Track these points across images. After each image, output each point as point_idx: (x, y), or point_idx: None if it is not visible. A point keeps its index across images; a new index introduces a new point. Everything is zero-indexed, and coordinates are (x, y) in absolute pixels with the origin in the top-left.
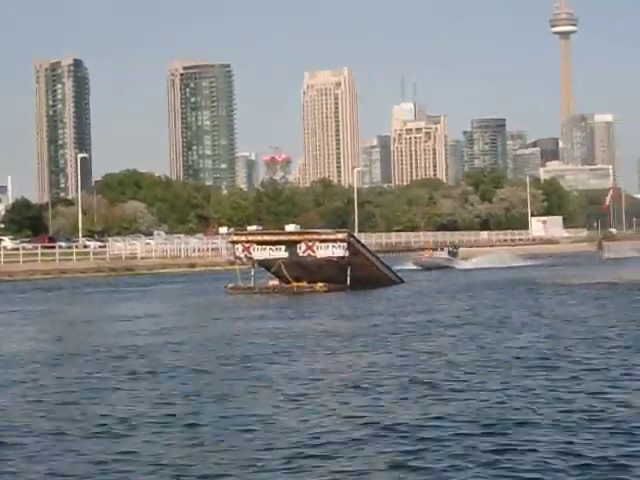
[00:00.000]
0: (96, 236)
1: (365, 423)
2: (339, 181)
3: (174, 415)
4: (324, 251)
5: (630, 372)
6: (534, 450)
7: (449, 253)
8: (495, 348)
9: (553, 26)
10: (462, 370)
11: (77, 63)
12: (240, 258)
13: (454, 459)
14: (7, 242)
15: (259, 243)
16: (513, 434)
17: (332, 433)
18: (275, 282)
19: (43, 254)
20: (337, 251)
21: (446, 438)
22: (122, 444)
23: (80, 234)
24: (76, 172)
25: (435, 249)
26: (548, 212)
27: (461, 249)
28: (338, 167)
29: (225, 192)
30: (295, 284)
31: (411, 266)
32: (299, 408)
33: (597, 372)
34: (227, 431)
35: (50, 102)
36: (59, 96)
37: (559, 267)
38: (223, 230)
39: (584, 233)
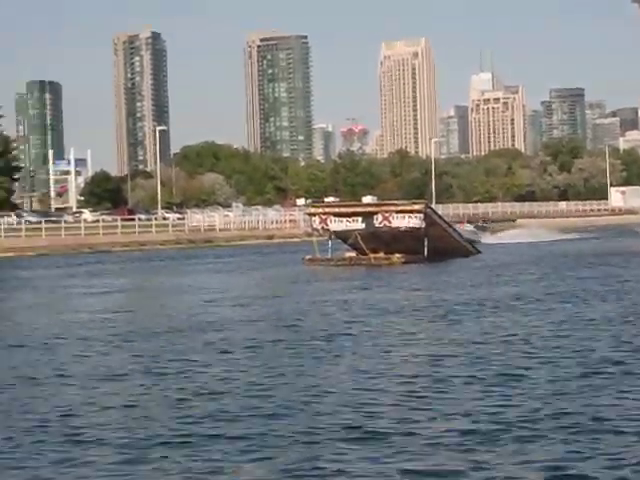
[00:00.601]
0: (175, 208)
1: None
2: (416, 152)
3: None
4: (401, 222)
5: None
6: None
7: (477, 227)
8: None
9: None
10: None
11: (155, 35)
12: (317, 230)
13: None
14: (87, 214)
15: (336, 215)
16: None
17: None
18: (352, 254)
19: (123, 226)
20: (414, 222)
21: None
22: None
23: (159, 206)
24: (155, 145)
25: (462, 222)
26: (627, 182)
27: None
28: (415, 138)
29: (302, 164)
30: (372, 255)
31: None
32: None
33: None
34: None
35: (128, 75)
36: (137, 68)
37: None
38: (301, 202)
39: None
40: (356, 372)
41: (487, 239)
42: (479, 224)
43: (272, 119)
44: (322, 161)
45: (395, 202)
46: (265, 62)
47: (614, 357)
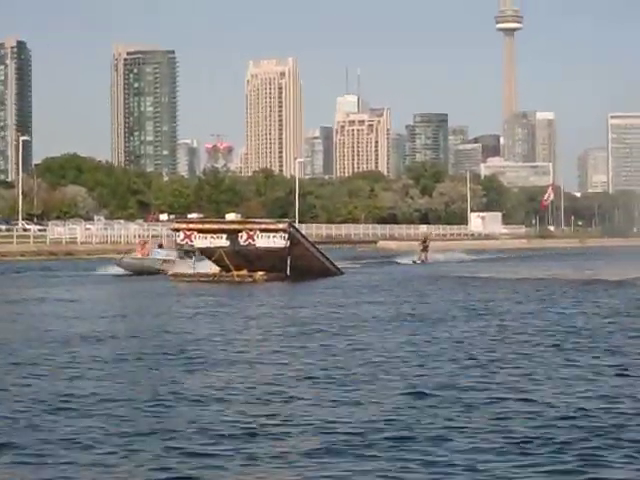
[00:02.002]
0: (35, 219)
1: None
2: (281, 171)
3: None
4: (265, 240)
5: None
6: None
7: (183, 252)
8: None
9: (498, 22)
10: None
11: (20, 45)
12: (180, 245)
13: None
14: None
15: (200, 231)
16: None
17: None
18: (216, 270)
19: None
20: (278, 241)
21: None
22: None
23: (20, 217)
24: (17, 154)
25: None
26: (487, 208)
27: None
28: (280, 157)
29: (166, 179)
30: (235, 273)
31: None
32: None
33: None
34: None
35: None
36: (1, 77)
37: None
38: (164, 217)
39: (522, 230)
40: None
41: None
42: (184, 248)
43: (137, 133)
44: (186, 177)
45: (259, 220)
46: (132, 76)
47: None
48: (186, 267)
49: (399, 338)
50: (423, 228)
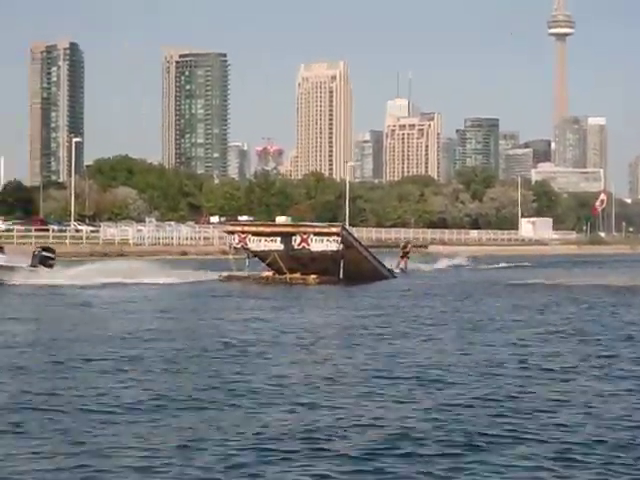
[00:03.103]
0: (87, 220)
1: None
2: (331, 174)
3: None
4: (318, 244)
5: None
6: None
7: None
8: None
9: (550, 27)
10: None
11: (73, 46)
12: (236, 248)
13: None
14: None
15: (255, 234)
16: None
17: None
18: (269, 273)
19: (36, 236)
20: (331, 244)
21: None
22: None
23: (72, 218)
24: (69, 156)
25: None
26: (538, 213)
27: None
28: (330, 160)
29: (217, 181)
30: (289, 275)
31: None
32: None
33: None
34: None
35: (45, 85)
36: (54, 79)
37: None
38: (214, 219)
39: (573, 235)
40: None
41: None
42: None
43: (188, 135)
44: (236, 179)
45: (313, 224)
46: (183, 78)
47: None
48: (40, 278)
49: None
50: (474, 233)
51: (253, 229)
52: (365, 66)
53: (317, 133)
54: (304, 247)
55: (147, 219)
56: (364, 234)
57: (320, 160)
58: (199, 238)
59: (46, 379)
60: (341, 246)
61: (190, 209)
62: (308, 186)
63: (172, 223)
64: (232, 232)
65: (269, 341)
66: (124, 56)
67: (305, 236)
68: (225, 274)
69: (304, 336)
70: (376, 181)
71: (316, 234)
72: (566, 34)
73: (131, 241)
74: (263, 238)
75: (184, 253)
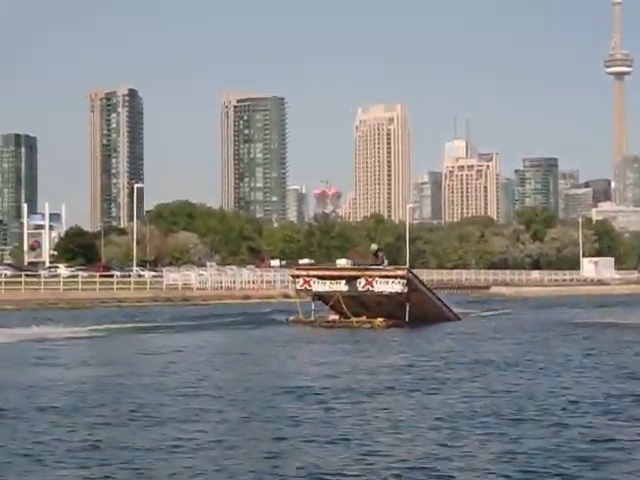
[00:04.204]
0: (148, 265)
1: None
2: (389, 216)
3: None
4: (383, 286)
5: None
6: None
7: None
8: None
9: (608, 66)
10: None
11: (132, 93)
12: (300, 291)
13: None
14: (62, 269)
15: (319, 277)
16: None
17: None
18: (335, 316)
19: (101, 282)
20: (396, 287)
21: None
22: None
23: (134, 263)
24: (131, 201)
25: None
26: (599, 253)
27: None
28: (389, 202)
29: (275, 225)
30: (354, 319)
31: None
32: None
33: None
34: None
35: (104, 131)
36: (113, 125)
37: None
38: (275, 263)
39: (635, 275)
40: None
41: None
42: None
43: (247, 179)
44: (295, 222)
45: (378, 267)
46: (242, 122)
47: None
48: None
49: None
50: (535, 274)
51: (318, 273)
52: (422, 108)
53: (375, 175)
54: (368, 289)
55: (208, 263)
56: (425, 276)
57: (378, 202)
58: (261, 282)
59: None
60: (406, 289)
61: (250, 253)
62: (368, 228)
63: (233, 267)
64: (297, 276)
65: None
66: (183, 101)
67: (370, 279)
68: (292, 318)
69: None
70: (435, 222)
71: (381, 277)
72: (624, 73)
73: (194, 286)
74: (328, 281)
75: (247, 297)
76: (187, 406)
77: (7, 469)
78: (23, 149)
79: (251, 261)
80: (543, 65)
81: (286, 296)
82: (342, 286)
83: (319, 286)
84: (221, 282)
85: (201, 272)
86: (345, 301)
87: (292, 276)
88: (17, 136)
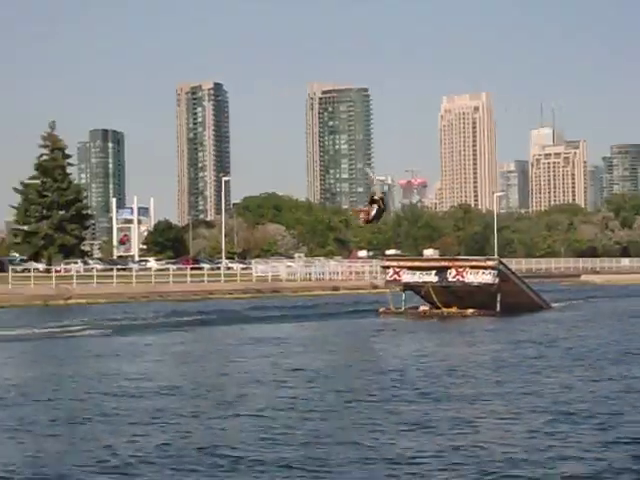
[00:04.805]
0: (236, 258)
1: None
2: (476, 205)
3: None
4: (474, 277)
5: None
6: None
7: None
8: None
9: None
10: None
11: (217, 86)
12: (390, 282)
13: None
14: (152, 263)
15: (410, 268)
16: None
17: None
18: (425, 307)
19: (191, 274)
20: (487, 277)
21: None
22: None
23: (223, 256)
24: (218, 194)
25: None
26: None
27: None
28: (475, 192)
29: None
30: (445, 309)
31: None
32: None
33: None
34: None
35: (191, 125)
36: (199, 119)
37: None
38: (362, 254)
39: None
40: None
41: None
42: None
43: (332, 171)
44: None
45: (469, 258)
46: (326, 114)
47: None
48: None
49: None
50: (625, 261)
51: (409, 264)
52: (508, 95)
53: (461, 164)
54: (458, 280)
55: (296, 255)
56: (514, 265)
57: (465, 192)
58: (350, 273)
59: None
60: (497, 279)
61: (337, 244)
62: (455, 218)
63: (321, 258)
64: (388, 267)
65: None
66: (267, 93)
67: (461, 269)
68: (382, 309)
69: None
70: (522, 211)
71: (472, 267)
72: None
73: (283, 277)
74: (418, 272)
75: (336, 288)
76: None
77: None
78: (110, 144)
79: (338, 252)
80: (629, 50)
81: (375, 287)
82: (432, 277)
83: (409, 277)
84: (310, 274)
85: (289, 264)
86: (436, 292)
87: (382, 267)
88: (104, 131)
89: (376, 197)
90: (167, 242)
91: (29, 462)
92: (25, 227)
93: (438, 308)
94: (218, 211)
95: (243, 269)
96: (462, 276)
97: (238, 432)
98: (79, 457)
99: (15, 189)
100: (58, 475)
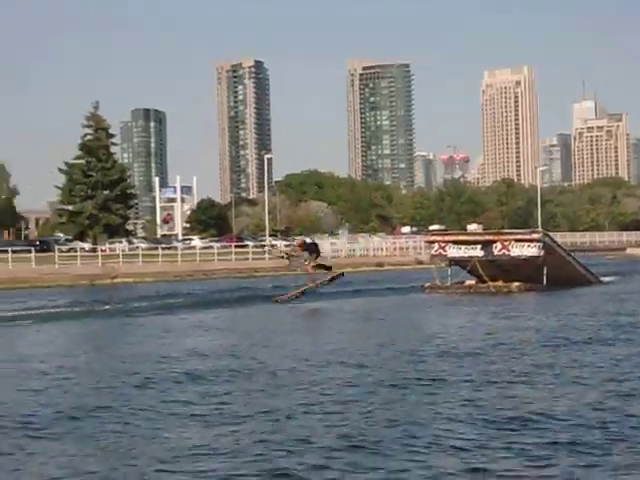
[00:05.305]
0: (279, 235)
1: None
2: (519, 180)
3: None
4: (519, 250)
5: None
6: None
7: None
8: None
9: None
10: None
11: (258, 64)
12: (435, 257)
13: None
14: (196, 241)
15: (455, 242)
16: None
17: None
18: (471, 281)
19: (236, 252)
20: (533, 250)
21: None
22: None
23: (267, 233)
24: (259, 172)
25: None
26: None
27: None
28: (517, 166)
29: (404, 191)
30: (491, 283)
31: None
32: None
33: None
34: None
35: (231, 103)
36: (240, 97)
37: None
38: (405, 229)
39: None
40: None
41: None
42: None
43: (374, 147)
44: (424, 189)
45: (514, 231)
46: (367, 90)
47: None
48: None
49: None
50: None
51: (454, 238)
52: (549, 69)
53: (503, 139)
54: (504, 253)
55: (340, 232)
56: (558, 239)
57: (507, 166)
58: (394, 249)
59: None
60: (542, 252)
61: (380, 220)
62: (498, 193)
63: (364, 235)
64: (433, 242)
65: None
66: (308, 70)
67: (506, 243)
68: (428, 284)
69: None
70: (566, 185)
71: (517, 241)
72: None
73: (328, 254)
74: (463, 246)
75: (380, 264)
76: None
77: None
78: (152, 123)
79: (381, 229)
80: None
81: (419, 263)
82: (478, 251)
83: (454, 251)
84: (354, 250)
85: (332, 241)
86: (482, 266)
87: (427, 242)
88: (146, 111)
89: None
90: (210, 220)
91: None
92: (70, 207)
93: (484, 282)
94: (260, 189)
95: (286, 246)
96: (507, 249)
97: None
98: None
99: (60, 169)
100: None
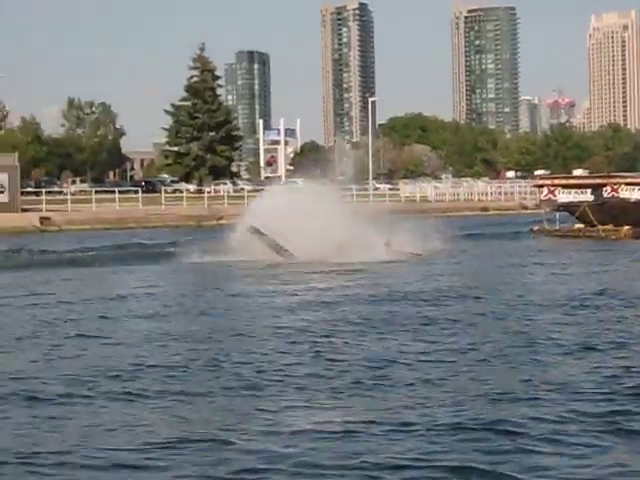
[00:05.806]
0: (383, 178)
1: None
2: (625, 125)
3: None
4: (630, 194)
5: None
6: None
7: None
8: None
9: None
10: None
11: (362, 7)
12: (544, 201)
13: None
14: (300, 184)
15: (564, 187)
16: None
17: None
18: (580, 225)
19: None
20: None
21: None
22: None
23: (370, 176)
24: (363, 115)
25: None
26: None
27: None
28: (624, 111)
29: (508, 136)
30: (601, 227)
31: None
32: None
33: None
34: None
35: (335, 46)
36: (344, 40)
37: None
38: (510, 174)
39: None
40: None
41: None
42: None
43: (478, 91)
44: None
45: (624, 174)
46: (472, 33)
47: None
48: None
49: None
50: None
51: (563, 182)
52: None
53: (610, 84)
54: (614, 196)
55: (444, 176)
56: None
57: (614, 111)
58: (499, 193)
59: None
60: None
61: (484, 165)
62: (605, 138)
63: (468, 179)
64: (541, 186)
65: None
66: (413, 13)
67: (616, 186)
68: (536, 228)
69: None
70: None
71: (628, 184)
72: None
73: (431, 198)
74: (573, 190)
75: (485, 209)
76: None
77: None
78: (256, 65)
79: (485, 173)
80: None
81: (525, 208)
82: (587, 195)
83: (564, 196)
84: (458, 194)
85: (436, 185)
86: (592, 210)
87: (536, 186)
88: (250, 53)
89: None
90: (313, 163)
91: None
92: (176, 148)
93: (593, 226)
94: (363, 132)
95: (390, 189)
96: (617, 192)
97: None
98: None
99: (166, 111)
100: None
